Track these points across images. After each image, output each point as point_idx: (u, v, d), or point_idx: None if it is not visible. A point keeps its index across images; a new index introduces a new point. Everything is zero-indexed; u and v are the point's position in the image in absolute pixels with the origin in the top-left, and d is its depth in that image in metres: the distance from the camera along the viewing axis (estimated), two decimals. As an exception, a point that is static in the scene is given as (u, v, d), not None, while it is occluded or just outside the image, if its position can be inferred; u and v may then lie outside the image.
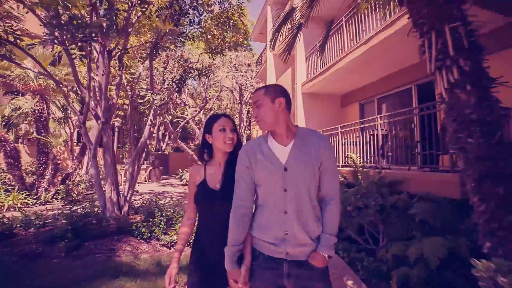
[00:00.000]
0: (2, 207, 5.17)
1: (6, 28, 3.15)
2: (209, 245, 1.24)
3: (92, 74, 4.10)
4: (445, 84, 1.87)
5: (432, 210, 2.56)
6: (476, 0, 2.22)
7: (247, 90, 11.30)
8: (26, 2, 2.89)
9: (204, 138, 1.36)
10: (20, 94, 7.75)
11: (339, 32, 6.04)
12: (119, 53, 3.92)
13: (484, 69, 1.82)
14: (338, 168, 5.05)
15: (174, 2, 3.95)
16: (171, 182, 11.37)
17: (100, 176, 4.78)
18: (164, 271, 1.90)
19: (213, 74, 8.09)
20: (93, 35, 2.94)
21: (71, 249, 2.95)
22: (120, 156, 13.07)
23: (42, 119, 6.60)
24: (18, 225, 3.59)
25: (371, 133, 4.56)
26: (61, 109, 7.44)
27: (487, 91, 1.79)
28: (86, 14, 3.70)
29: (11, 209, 5.24)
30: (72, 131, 9.33)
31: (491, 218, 1.69)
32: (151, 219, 3.70)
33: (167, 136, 16.59)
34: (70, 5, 2.60)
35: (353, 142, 5.04)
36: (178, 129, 9.74)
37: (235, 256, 1.12)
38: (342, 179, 4.42)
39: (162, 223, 3.54)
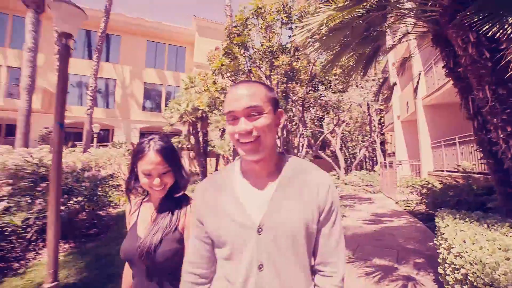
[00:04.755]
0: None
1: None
2: None
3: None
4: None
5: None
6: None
7: (375, 102, 12.61)
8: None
9: (132, 167, 0.98)
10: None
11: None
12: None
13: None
14: (456, 173, 6.05)
15: (314, 77, 6.83)
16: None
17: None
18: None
19: (343, 108, 10.43)
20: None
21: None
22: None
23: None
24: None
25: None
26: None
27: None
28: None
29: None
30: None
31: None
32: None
33: (306, 146, 20.21)
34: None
35: (469, 151, 5.88)
36: (318, 142, 12.61)
37: None
38: (454, 182, 5.57)
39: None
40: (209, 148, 14.00)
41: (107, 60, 18.01)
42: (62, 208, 3.59)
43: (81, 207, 4.10)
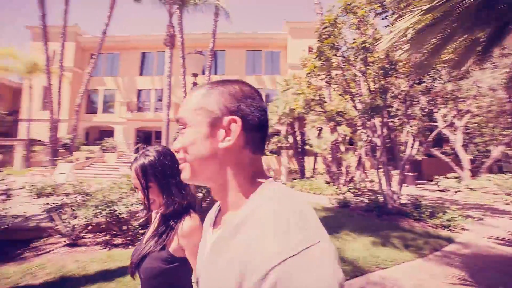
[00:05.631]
0: (329, 194, 9.99)
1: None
2: None
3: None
4: None
5: None
6: None
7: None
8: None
9: None
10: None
11: None
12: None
13: None
14: None
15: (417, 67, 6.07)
16: (426, 187, 12.42)
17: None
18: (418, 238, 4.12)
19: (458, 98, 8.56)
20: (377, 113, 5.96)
21: (377, 215, 6.06)
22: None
23: (337, 144, 11.23)
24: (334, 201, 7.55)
25: None
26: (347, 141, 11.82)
27: None
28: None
29: (330, 195, 9.89)
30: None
31: None
32: (417, 209, 5.95)
33: (417, 142, 17.21)
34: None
35: None
36: (430, 138, 10.75)
37: None
38: None
39: (427, 212, 5.67)
40: (307, 147, 14.46)
41: (216, 73, 21.36)
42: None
43: (205, 197, 5.43)
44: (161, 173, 0.93)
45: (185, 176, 0.51)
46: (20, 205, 3.92)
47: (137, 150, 18.02)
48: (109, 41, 19.67)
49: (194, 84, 3.79)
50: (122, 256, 3.39)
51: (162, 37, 14.03)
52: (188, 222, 0.90)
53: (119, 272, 2.93)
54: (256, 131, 0.49)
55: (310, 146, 13.28)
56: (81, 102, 16.88)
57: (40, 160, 15.89)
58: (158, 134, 20.95)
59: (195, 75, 3.72)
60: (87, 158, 16.14)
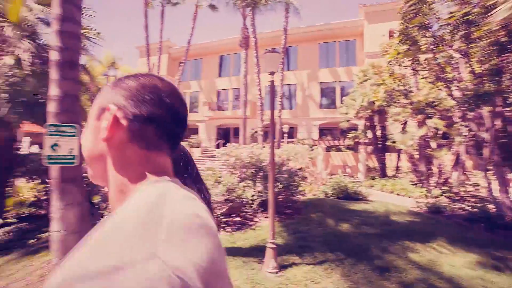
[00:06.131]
0: (416, 196, 8.77)
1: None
2: None
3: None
4: None
5: None
6: None
7: None
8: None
9: None
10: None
11: None
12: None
13: None
14: None
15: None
16: None
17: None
18: None
19: None
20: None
21: (486, 228, 5.00)
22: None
23: (426, 140, 9.71)
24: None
25: None
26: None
27: None
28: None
29: (417, 198, 8.62)
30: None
31: None
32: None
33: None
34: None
35: None
36: None
37: None
38: None
39: None
40: (388, 143, 13.02)
41: (288, 69, 21.34)
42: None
43: (280, 192, 5.62)
44: None
45: (88, 176, 0.48)
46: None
47: (217, 146, 19.94)
48: (193, 49, 22.21)
49: (272, 82, 3.98)
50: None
51: (237, 40, 14.99)
52: None
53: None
54: (147, 125, 0.43)
55: (393, 142, 11.88)
56: (173, 105, 19.71)
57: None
58: (236, 131, 22.58)
59: (272, 73, 3.87)
60: (178, 152, 18.86)
